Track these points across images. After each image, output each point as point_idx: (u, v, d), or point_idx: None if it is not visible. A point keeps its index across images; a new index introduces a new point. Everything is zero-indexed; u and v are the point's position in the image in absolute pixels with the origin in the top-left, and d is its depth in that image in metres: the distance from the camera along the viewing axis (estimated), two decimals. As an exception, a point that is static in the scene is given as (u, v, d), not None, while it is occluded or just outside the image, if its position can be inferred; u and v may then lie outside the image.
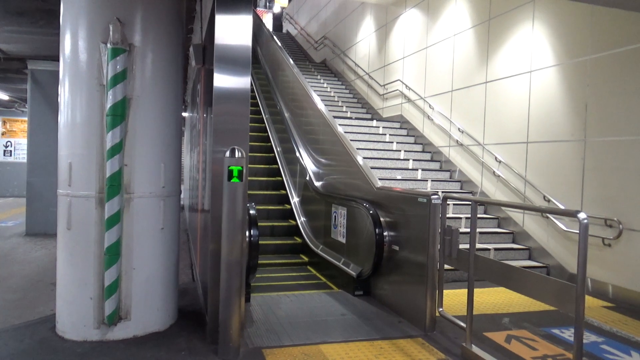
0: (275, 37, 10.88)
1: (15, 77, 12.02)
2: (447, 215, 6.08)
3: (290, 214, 7.31)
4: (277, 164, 8.36)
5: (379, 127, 9.26)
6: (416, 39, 9.18)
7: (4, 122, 19.35)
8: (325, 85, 12.06)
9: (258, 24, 12.88)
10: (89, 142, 3.42)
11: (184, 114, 12.13)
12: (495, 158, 6.75)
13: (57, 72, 3.62)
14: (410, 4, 9.50)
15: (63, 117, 3.54)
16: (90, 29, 3.42)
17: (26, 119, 11.49)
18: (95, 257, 3.41)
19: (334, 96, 11.38)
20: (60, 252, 3.56)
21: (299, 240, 6.75)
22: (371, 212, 4.65)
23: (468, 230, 3.39)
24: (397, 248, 4.35)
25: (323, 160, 6.59)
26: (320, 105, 6.81)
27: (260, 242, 4.45)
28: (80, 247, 3.43)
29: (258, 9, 23.79)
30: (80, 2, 3.45)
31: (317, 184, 6.57)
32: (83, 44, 3.43)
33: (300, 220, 6.91)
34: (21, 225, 11.13)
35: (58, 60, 3.60)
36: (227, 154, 3.15)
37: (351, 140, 6.94)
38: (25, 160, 11.86)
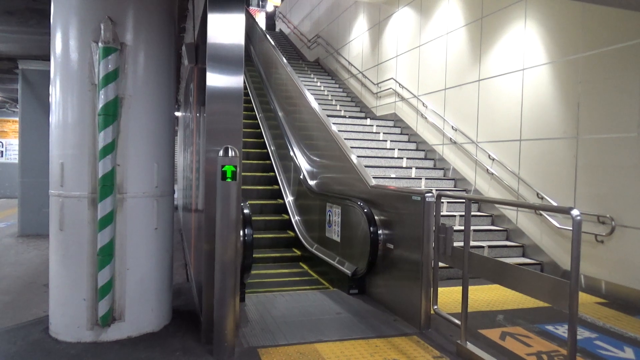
0: (268, 36, 10.85)
1: (6, 77, 11.92)
2: (441, 213, 6.09)
3: (284, 213, 7.29)
4: (273, 170, 8.30)
5: (372, 125, 9.26)
6: (409, 37, 9.19)
7: (-5, 123, 19.20)
8: (318, 84, 12.05)
9: (251, 23, 12.84)
10: (81, 142, 3.39)
11: (177, 114, 12.08)
12: (489, 156, 6.77)
13: (49, 71, 3.59)
14: (403, 3, 9.51)
15: (54, 117, 3.51)
16: (81, 28, 3.39)
17: (17, 119, 11.39)
18: (88, 258, 3.39)
19: (327, 95, 11.37)
20: (52, 253, 3.53)
21: (292, 233, 6.74)
22: (365, 210, 4.66)
23: (462, 228, 3.40)
24: (391, 246, 4.35)
25: (317, 159, 6.59)
26: (314, 104, 6.81)
27: (254, 238, 4.43)
28: (73, 248, 3.41)
29: (251, 7, 23.73)
30: (71, 1, 3.41)
31: (311, 182, 6.56)
32: (74, 43, 3.40)
33: (295, 219, 6.91)
34: (14, 226, 11.04)
35: (49, 60, 3.56)
36: (221, 153, 3.14)
37: (345, 139, 6.93)
38: (16, 161, 11.76)
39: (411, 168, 7.74)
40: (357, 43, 11.62)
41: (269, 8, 23.03)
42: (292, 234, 6.85)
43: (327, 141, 6.09)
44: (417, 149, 8.57)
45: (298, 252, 6.49)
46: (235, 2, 3.42)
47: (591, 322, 4.15)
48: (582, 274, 5.26)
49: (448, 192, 4.29)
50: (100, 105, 3.34)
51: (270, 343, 3.44)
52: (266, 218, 7.17)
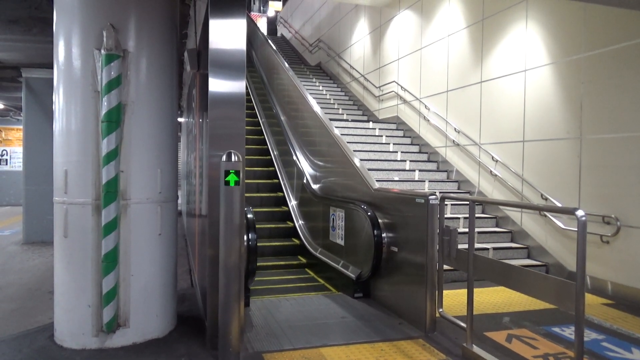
0: (269, 40, 10.88)
1: (10, 85, 11.99)
2: (445, 216, 6.08)
3: (288, 217, 7.29)
4: (276, 171, 8.31)
5: (375, 128, 9.26)
6: (410, 40, 9.20)
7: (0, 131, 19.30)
8: (320, 88, 12.07)
9: (252, 28, 12.88)
10: (85, 149, 3.41)
11: (180, 119, 12.10)
12: (492, 157, 6.76)
13: (52, 79, 3.61)
14: (404, 6, 9.52)
15: (58, 124, 3.52)
16: (84, 35, 3.41)
17: (21, 127, 11.44)
18: (93, 265, 3.40)
19: (329, 99, 11.38)
20: (57, 260, 3.53)
21: (297, 242, 6.73)
22: (369, 213, 4.65)
23: (466, 230, 3.39)
24: (395, 249, 4.34)
25: (320, 162, 6.59)
26: (316, 108, 6.81)
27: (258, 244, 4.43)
28: (78, 255, 3.41)
29: (252, 13, 23.82)
30: (74, 8, 3.44)
31: (315, 186, 6.56)
32: (77, 50, 3.42)
33: (299, 223, 6.90)
34: (18, 233, 11.07)
35: (52, 68, 3.58)
36: (224, 158, 3.14)
37: (348, 142, 6.93)
38: (21, 169, 11.81)
39: (414, 171, 7.73)
40: (358, 47, 11.64)
41: (271, 13, 23.13)
42: (292, 227, 6.85)
43: (330, 145, 6.10)
44: (420, 152, 8.56)
45: (303, 260, 6.48)
46: (237, 8, 3.44)
47: (598, 323, 4.12)
48: (587, 275, 5.23)
49: (452, 194, 4.28)
50: (104, 112, 3.35)
51: (275, 348, 3.43)
52: (268, 211, 7.16)
